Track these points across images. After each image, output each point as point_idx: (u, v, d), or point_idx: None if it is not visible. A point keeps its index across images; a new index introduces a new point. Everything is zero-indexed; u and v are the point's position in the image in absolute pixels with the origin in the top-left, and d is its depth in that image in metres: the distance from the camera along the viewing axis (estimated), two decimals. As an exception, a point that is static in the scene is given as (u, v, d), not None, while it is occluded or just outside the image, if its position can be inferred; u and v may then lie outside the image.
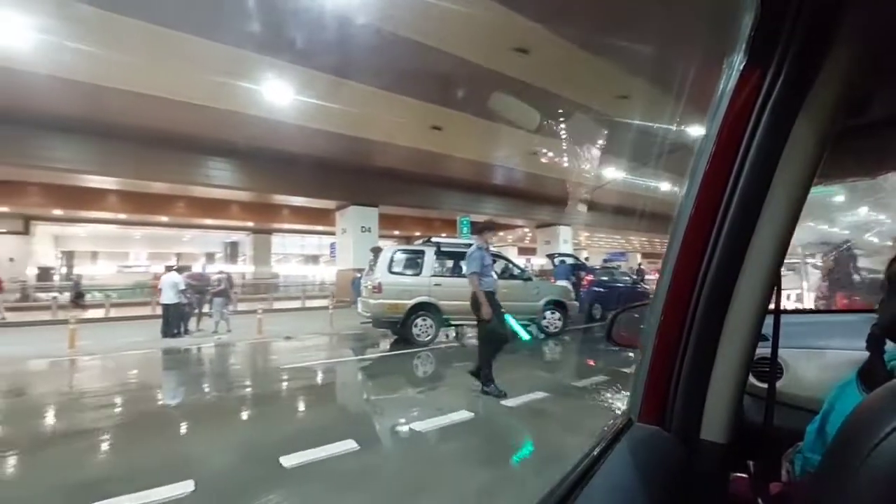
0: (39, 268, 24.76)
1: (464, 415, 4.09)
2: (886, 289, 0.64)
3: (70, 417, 4.40)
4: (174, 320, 9.07)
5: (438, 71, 9.32)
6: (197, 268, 10.88)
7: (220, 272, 9.99)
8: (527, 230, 27.12)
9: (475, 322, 4.98)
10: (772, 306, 0.60)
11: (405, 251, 8.55)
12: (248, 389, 5.66)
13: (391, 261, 8.17)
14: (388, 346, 8.25)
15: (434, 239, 8.97)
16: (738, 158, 0.54)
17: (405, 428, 3.89)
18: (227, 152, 14.69)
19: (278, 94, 9.98)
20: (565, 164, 16.16)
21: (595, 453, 0.59)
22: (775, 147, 0.53)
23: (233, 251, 30.74)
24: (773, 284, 0.57)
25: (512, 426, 4.09)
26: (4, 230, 21.74)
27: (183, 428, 4.15)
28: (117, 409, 4.65)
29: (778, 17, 0.49)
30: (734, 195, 0.55)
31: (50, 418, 4.52)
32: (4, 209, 18.61)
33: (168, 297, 9.04)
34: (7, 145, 11.67)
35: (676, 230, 0.60)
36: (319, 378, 6.23)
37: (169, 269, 9.52)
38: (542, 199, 22.31)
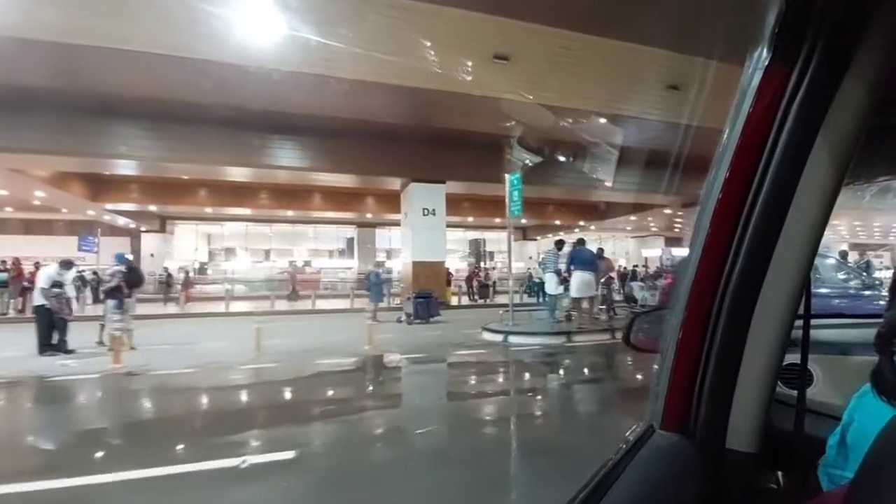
0: (200, 263, 27.48)
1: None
2: (892, 288, 0.62)
3: None
4: (43, 329, 6.55)
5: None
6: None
7: (121, 264, 7.15)
8: (668, 211, 19.60)
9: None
10: (801, 311, 0.58)
11: None
12: None
13: None
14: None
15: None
16: (764, 158, 0.53)
17: None
18: (285, 128, 13.02)
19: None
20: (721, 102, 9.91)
21: (615, 462, 0.56)
22: (803, 147, 0.51)
23: (351, 246, 30.48)
24: (802, 288, 0.55)
25: None
26: (145, 229, 24.25)
27: None
28: None
29: (804, 10, 0.48)
30: (759, 196, 0.53)
31: None
32: (149, 208, 20.29)
33: (36, 297, 6.56)
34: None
35: (699, 230, 0.57)
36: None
37: (65, 264, 7.12)
38: (689, 164, 15.11)
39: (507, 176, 9.02)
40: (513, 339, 7.69)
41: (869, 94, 0.49)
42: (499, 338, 7.83)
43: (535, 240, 28.68)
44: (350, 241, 29.94)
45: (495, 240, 31.42)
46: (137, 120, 12.31)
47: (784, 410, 0.74)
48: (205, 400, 4.86)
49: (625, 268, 18.85)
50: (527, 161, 12.44)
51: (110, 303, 6.86)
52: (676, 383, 0.57)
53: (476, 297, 17.11)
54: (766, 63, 0.51)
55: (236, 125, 12.58)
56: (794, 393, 0.67)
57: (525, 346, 7.31)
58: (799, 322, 0.59)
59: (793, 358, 0.63)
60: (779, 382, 0.59)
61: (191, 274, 24.89)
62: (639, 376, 5.92)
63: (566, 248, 9.08)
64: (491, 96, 11.08)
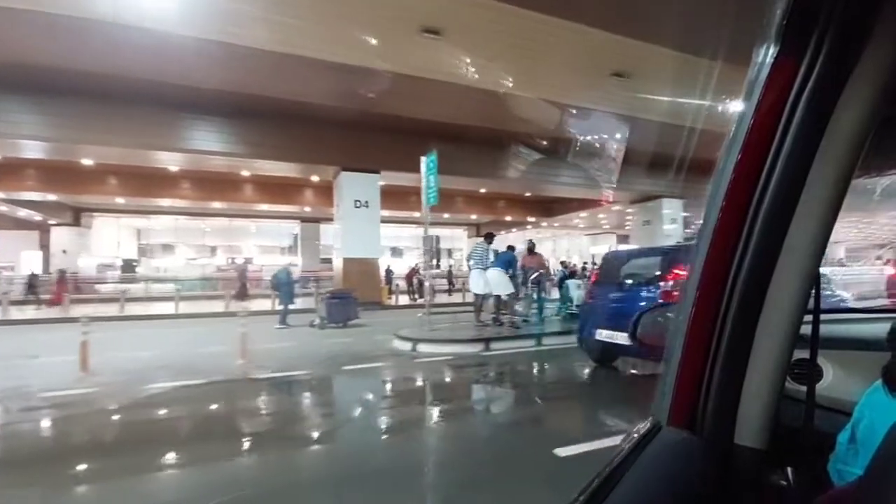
0: (124, 260, 25.18)
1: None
2: None
3: None
4: None
5: None
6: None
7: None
8: (618, 208, 19.20)
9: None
10: (811, 306, 0.58)
11: None
12: None
13: None
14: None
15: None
16: (772, 152, 0.52)
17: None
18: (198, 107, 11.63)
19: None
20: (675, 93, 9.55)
21: (620, 459, 0.55)
22: (812, 140, 0.50)
23: (297, 243, 28.84)
24: (811, 284, 0.54)
25: None
26: (55, 222, 21.67)
27: None
28: None
29: (812, 3, 0.48)
30: (767, 190, 0.53)
31: None
32: (49, 198, 17.99)
33: None
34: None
35: (707, 224, 0.57)
36: None
37: None
38: (636, 158, 14.56)
39: (422, 158, 7.90)
40: (422, 347, 6.60)
41: (878, 86, 0.48)
42: (408, 346, 6.73)
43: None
44: (296, 237, 28.34)
45: (449, 236, 30.53)
46: (18, 93, 10.45)
47: (793, 406, 0.72)
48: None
49: (575, 265, 18.35)
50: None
51: None
52: (684, 379, 0.56)
53: (416, 296, 16.04)
54: (774, 57, 0.51)
55: (141, 101, 10.99)
56: (804, 388, 0.67)
57: (434, 357, 6.22)
58: (808, 317, 0.58)
59: (803, 354, 0.62)
60: (788, 378, 0.57)
61: (112, 271, 22.77)
62: (559, 398, 4.93)
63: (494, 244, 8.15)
64: (428, 79, 10.02)
